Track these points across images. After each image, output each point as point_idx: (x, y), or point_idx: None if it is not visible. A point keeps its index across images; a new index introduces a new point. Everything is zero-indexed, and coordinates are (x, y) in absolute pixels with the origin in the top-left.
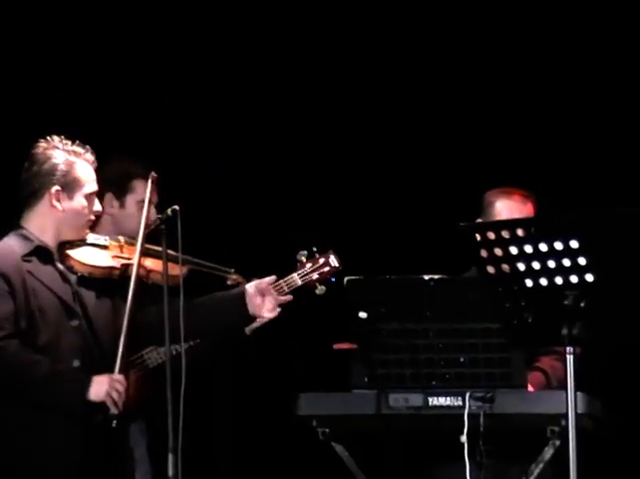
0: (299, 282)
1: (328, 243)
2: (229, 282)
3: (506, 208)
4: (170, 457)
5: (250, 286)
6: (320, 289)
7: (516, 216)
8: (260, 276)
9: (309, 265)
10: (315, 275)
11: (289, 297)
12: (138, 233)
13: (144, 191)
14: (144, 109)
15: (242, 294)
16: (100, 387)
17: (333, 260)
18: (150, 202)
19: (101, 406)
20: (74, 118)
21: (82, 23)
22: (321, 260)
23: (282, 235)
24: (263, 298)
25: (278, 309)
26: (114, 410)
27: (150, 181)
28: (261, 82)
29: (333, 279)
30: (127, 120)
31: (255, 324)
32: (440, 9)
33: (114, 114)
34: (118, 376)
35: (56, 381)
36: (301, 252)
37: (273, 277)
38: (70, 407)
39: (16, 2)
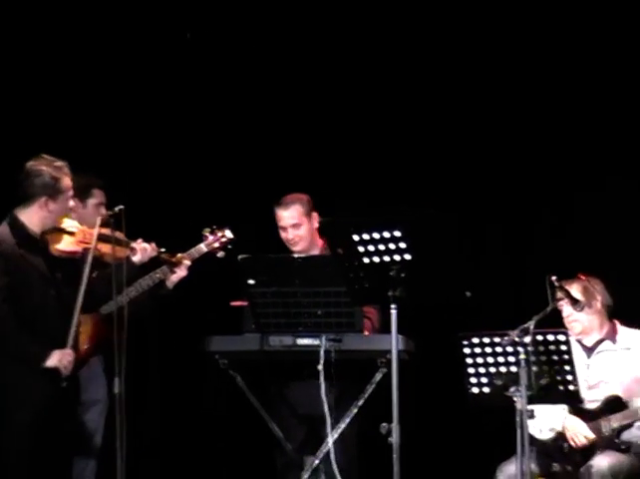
0: (205, 249)
1: (225, 223)
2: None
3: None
4: (116, 380)
5: None
6: (221, 254)
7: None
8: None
9: (211, 237)
10: (216, 244)
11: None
12: (94, 225)
13: (99, 196)
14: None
15: None
16: (54, 359)
17: (228, 233)
18: (102, 204)
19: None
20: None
21: (26, 31)
22: (219, 233)
23: (192, 217)
24: None
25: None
26: (65, 373)
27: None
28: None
29: (230, 247)
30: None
31: (174, 279)
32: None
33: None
34: (68, 351)
35: (25, 344)
36: (205, 229)
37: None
38: (32, 366)
39: None
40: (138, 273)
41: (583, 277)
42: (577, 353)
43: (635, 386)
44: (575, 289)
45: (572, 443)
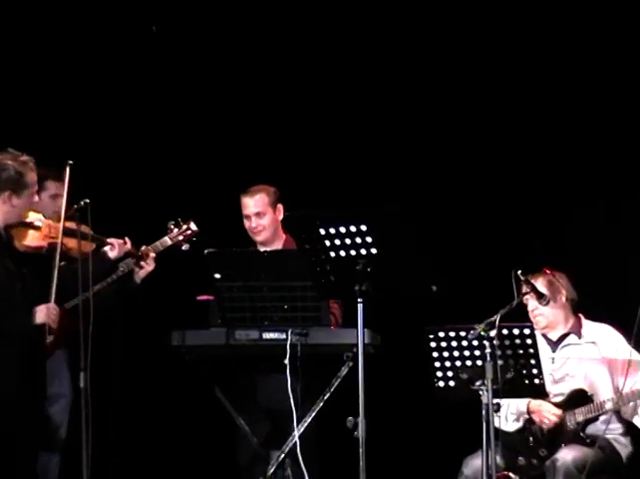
0: (169, 242)
1: (191, 216)
2: None
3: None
4: (82, 374)
5: None
6: (186, 247)
7: (256, 208)
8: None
9: (176, 230)
10: (181, 237)
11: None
12: (50, 216)
13: (54, 187)
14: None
15: None
16: (41, 313)
17: (193, 226)
18: (58, 196)
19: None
20: None
21: None
22: (184, 226)
23: (157, 210)
24: None
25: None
26: (54, 326)
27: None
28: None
29: (194, 239)
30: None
31: (142, 274)
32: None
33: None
34: (52, 304)
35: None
36: (170, 222)
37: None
38: (21, 331)
39: None
40: (112, 269)
41: (549, 272)
42: (542, 347)
43: (600, 380)
44: (540, 283)
45: (542, 424)
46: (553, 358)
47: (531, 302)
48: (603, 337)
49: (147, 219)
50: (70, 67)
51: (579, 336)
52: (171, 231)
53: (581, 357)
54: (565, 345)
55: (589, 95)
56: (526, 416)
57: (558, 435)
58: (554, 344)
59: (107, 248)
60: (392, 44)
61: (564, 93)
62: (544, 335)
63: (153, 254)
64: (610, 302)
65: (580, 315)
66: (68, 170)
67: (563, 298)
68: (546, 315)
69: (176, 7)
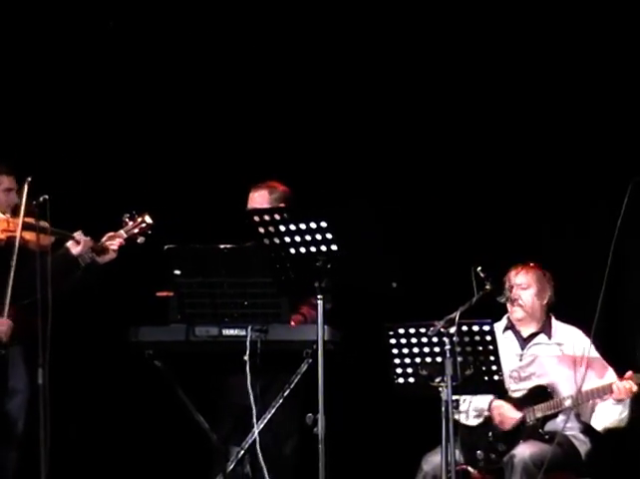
0: (125, 235)
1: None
2: None
3: (251, 201)
4: (40, 370)
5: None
6: (141, 240)
7: (257, 203)
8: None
9: (131, 223)
10: (136, 230)
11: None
12: (4, 210)
13: (7, 182)
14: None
15: None
16: None
17: (148, 219)
18: (11, 189)
19: None
20: None
21: None
22: (139, 219)
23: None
24: None
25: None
26: (5, 339)
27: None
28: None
29: (150, 232)
30: None
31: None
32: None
33: None
34: (3, 320)
35: None
36: (125, 215)
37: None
38: None
39: None
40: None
41: (540, 268)
42: (511, 343)
43: (565, 382)
44: (531, 277)
45: (500, 426)
46: (521, 356)
47: (522, 293)
48: (572, 340)
49: (100, 212)
50: (23, 56)
51: (549, 337)
52: (126, 224)
53: (549, 358)
54: (535, 344)
55: (567, 103)
56: (487, 413)
57: (517, 431)
58: (524, 341)
59: (69, 244)
60: (378, 37)
61: (543, 101)
62: (516, 331)
63: (115, 247)
64: (570, 302)
65: (551, 315)
66: (26, 186)
67: (546, 298)
68: (527, 308)
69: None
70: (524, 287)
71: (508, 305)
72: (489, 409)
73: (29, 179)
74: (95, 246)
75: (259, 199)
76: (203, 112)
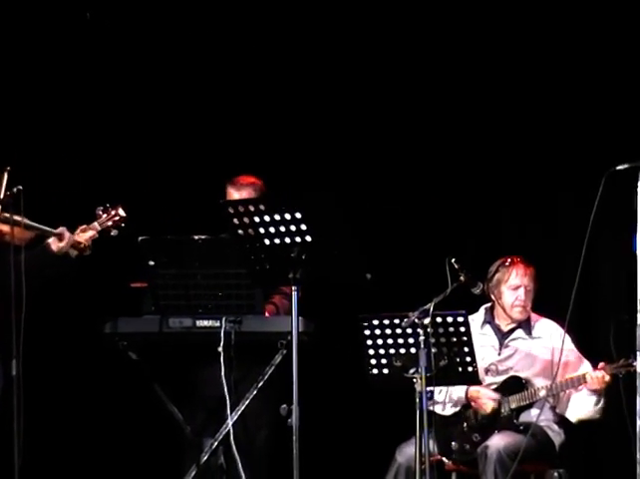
0: (98, 228)
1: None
2: None
3: (234, 191)
4: (14, 362)
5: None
6: (114, 233)
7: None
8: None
9: (104, 216)
10: (109, 222)
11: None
12: None
13: None
14: None
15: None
16: None
17: (121, 211)
18: None
19: None
20: None
21: None
22: (112, 212)
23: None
24: None
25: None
26: None
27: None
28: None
29: (123, 225)
30: None
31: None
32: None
33: None
34: None
35: None
36: (98, 207)
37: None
38: None
39: None
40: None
41: (530, 263)
42: (489, 337)
43: (542, 376)
44: (530, 274)
45: (480, 409)
46: (500, 349)
47: (527, 284)
48: (549, 333)
49: (73, 205)
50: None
51: (529, 331)
52: (100, 216)
53: (528, 353)
54: (514, 339)
55: (533, 93)
56: (464, 402)
57: (492, 421)
58: (502, 336)
59: (51, 240)
60: (361, 28)
61: (518, 93)
62: (494, 325)
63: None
64: (544, 294)
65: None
66: (6, 175)
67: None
68: (529, 308)
69: None
70: (530, 289)
71: (508, 308)
72: (466, 396)
73: (8, 168)
74: (77, 244)
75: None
76: (177, 103)
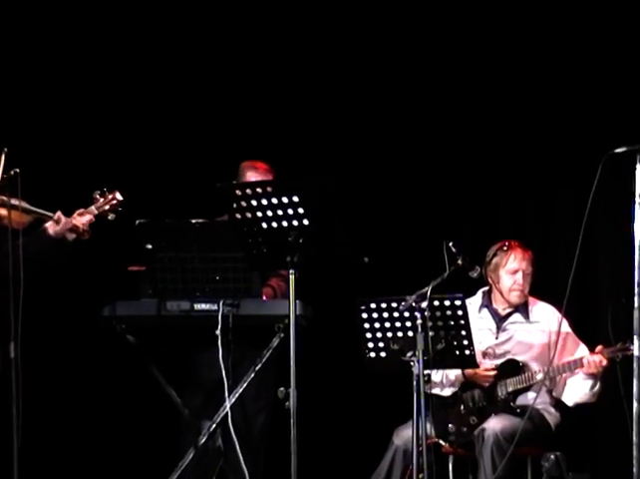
0: (95, 212)
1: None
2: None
3: (253, 176)
4: (12, 344)
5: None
6: (112, 217)
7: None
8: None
9: (102, 200)
10: (106, 207)
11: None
12: None
13: None
14: None
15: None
16: None
17: (118, 196)
18: None
19: None
20: None
21: None
22: (110, 196)
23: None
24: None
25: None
26: None
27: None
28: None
29: (120, 209)
30: None
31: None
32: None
33: None
34: None
35: None
36: (95, 191)
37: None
38: None
39: None
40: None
41: (528, 248)
42: (486, 320)
43: (539, 360)
44: (528, 258)
45: (483, 384)
46: (497, 333)
47: (526, 268)
48: (547, 317)
49: (70, 188)
50: None
51: (526, 315)
52: (97, 200)
53: (525, 337)
54: (512, 323)
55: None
56: (462, 379)
57: (489, 404)
58: (500, 319)
59: (48, 224)
60: (356, 24)
61: (514, 83)
62: (492, 309)
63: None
64: (542, 278)
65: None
66: (3, 157)
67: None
68: (526, 292)
69: None
70: (528, 273)
71: (505, 292)
72: (464, 374)
73: (5, 150)
74: (75, 228)
75: None
76: (173, 88)
